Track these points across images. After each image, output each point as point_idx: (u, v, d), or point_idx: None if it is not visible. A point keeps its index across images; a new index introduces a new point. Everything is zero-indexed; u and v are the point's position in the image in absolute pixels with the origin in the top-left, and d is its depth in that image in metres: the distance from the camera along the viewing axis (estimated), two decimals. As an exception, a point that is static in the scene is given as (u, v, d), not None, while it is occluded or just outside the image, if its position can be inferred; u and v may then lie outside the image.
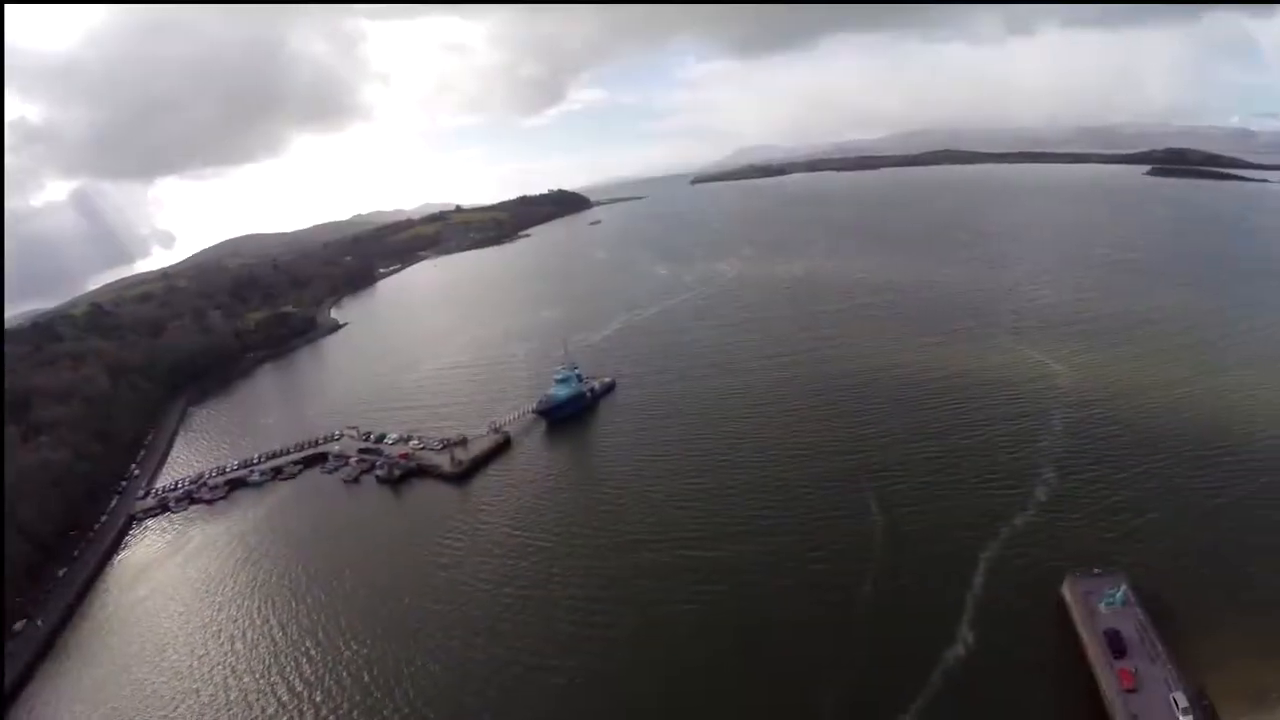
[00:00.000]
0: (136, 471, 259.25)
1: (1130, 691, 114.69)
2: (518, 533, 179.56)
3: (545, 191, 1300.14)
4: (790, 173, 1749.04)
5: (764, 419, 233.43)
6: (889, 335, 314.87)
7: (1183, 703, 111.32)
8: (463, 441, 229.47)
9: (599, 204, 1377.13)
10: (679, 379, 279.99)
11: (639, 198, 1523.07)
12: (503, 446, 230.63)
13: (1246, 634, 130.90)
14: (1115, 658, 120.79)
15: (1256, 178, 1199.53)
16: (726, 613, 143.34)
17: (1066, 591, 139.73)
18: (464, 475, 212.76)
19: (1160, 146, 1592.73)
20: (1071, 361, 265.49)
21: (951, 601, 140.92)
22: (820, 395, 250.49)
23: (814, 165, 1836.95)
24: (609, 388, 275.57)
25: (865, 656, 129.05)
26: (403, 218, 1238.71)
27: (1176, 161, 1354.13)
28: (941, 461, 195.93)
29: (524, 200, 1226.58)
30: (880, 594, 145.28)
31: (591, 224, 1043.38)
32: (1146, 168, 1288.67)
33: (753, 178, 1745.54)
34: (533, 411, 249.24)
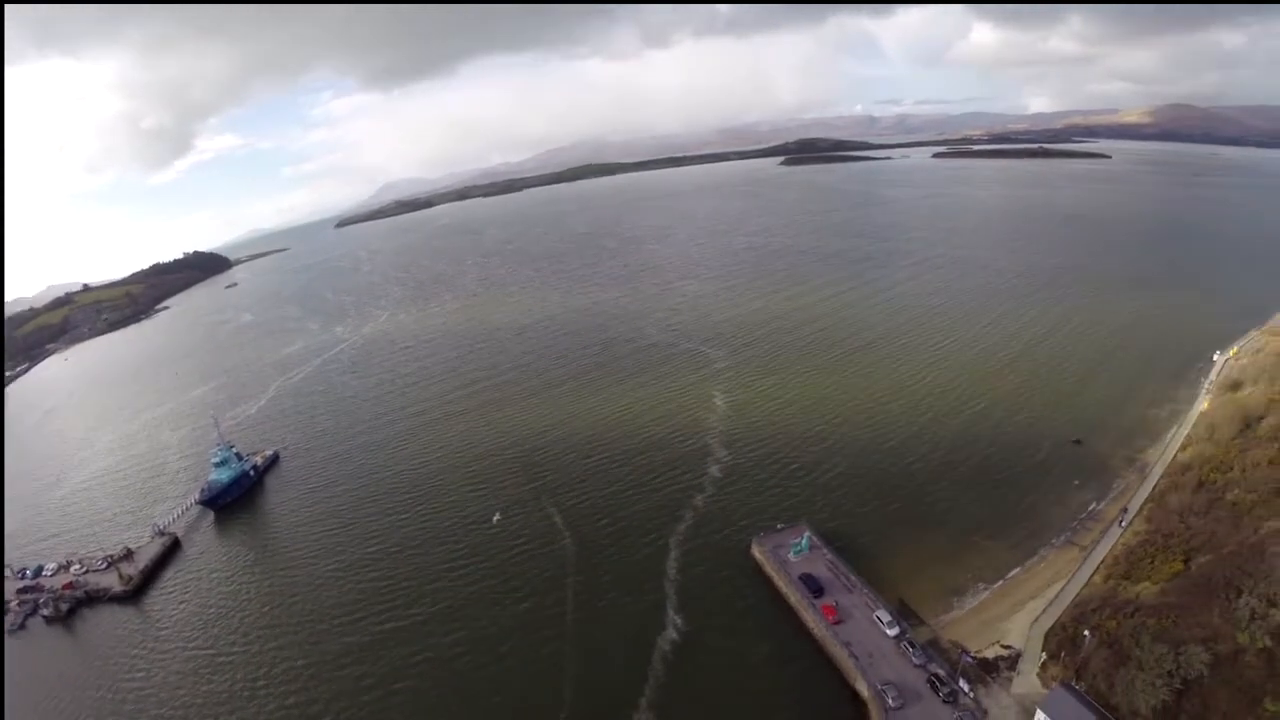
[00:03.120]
0: None
1: (837, 623, 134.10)
2: (206, 648, 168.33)
3: (181, 255, 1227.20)
4: (438, 204, 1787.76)
5: (435, 463, 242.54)
6: (550, 356, 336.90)
7: (886, 619, 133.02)
8: (128, 555, 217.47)
9: (240, 262, 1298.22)
10: (343, 439, 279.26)
11: (283, 250, 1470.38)
12: (172, 550, 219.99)
13: (930, 548, 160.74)
14: (815, 597, 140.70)
15: (880, 156, 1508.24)
16: (442, 677, 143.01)
17: (756, 551, 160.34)
18: (137, 591, 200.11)
19: (793, 138, 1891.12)
20: (728, 349, 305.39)
21: (654, 593, 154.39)
22: (488, 430, 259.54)
23: (462, 194, 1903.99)
24: (272, 461, 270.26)
25: (585, 671, 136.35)
26: (24, 307, 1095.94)
27: (808, 150, 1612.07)
28: (617, 467, 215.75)
29: (158, 269, 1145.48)
30: (585, 610, 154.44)
31: (228, 287, 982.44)
32: (781, 158, 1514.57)
33: (400, 214, 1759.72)
34: (196, 503, 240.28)
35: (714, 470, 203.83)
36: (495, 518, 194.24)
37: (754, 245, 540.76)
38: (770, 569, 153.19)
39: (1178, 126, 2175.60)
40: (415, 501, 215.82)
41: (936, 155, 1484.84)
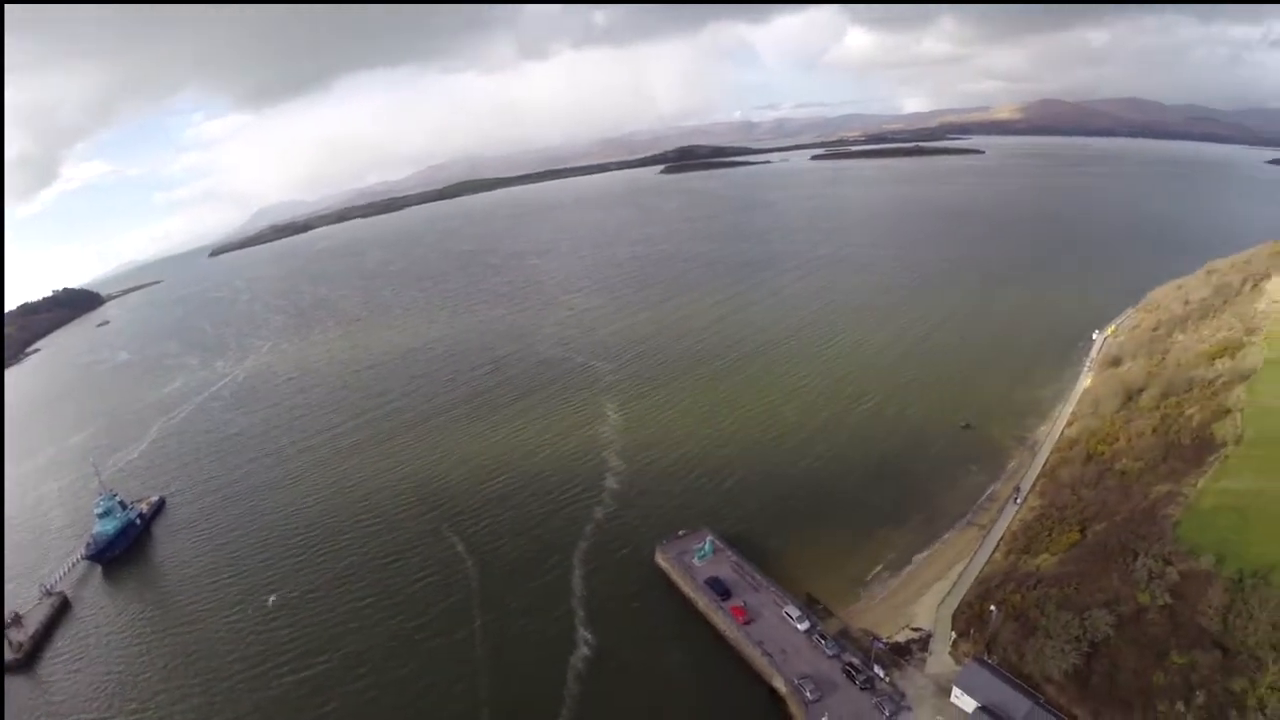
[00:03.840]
0: None
1: (747, 623, 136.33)
2: (108, 717, 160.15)
3: (50, 294, 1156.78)
4: (316, 227, 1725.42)
5: (329, 500, 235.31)
6: (440, 379, 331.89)
7: (795, 614, 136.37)
8: (17, 620, 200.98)
9: (113, 297, 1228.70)
10: (232, 480, 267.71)
11: (157, 282, 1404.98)
12: (62, 610, 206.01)
13: (833, 541, 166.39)
14: (723, 600, 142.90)
15: (759, 160, 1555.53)
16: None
17: (660, 559, 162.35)
18: (30, 658, 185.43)
19: (672, 147, 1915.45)
20: (618, 361, 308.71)
21: (563, 613, 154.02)
22: (382, 461, 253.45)
23: (341, 216, 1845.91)
24: (159, 508, 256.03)
25: (500, 699, 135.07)
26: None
27: (688, 157, 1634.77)
28: (516, 489, 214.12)
29: (25, 309, 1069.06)
30: (496, 638, 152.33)
31: (100, 325, 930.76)
32: (661, 167, 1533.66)
33: (277, 239, 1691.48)
34: (83, 558, 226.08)
35: (612, 483, 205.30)
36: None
37: (638, 255, 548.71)
38: (676, 576, 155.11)
39: (1049, 121, 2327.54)
40: (311, 543, 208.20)
41: (815, 157, 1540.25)
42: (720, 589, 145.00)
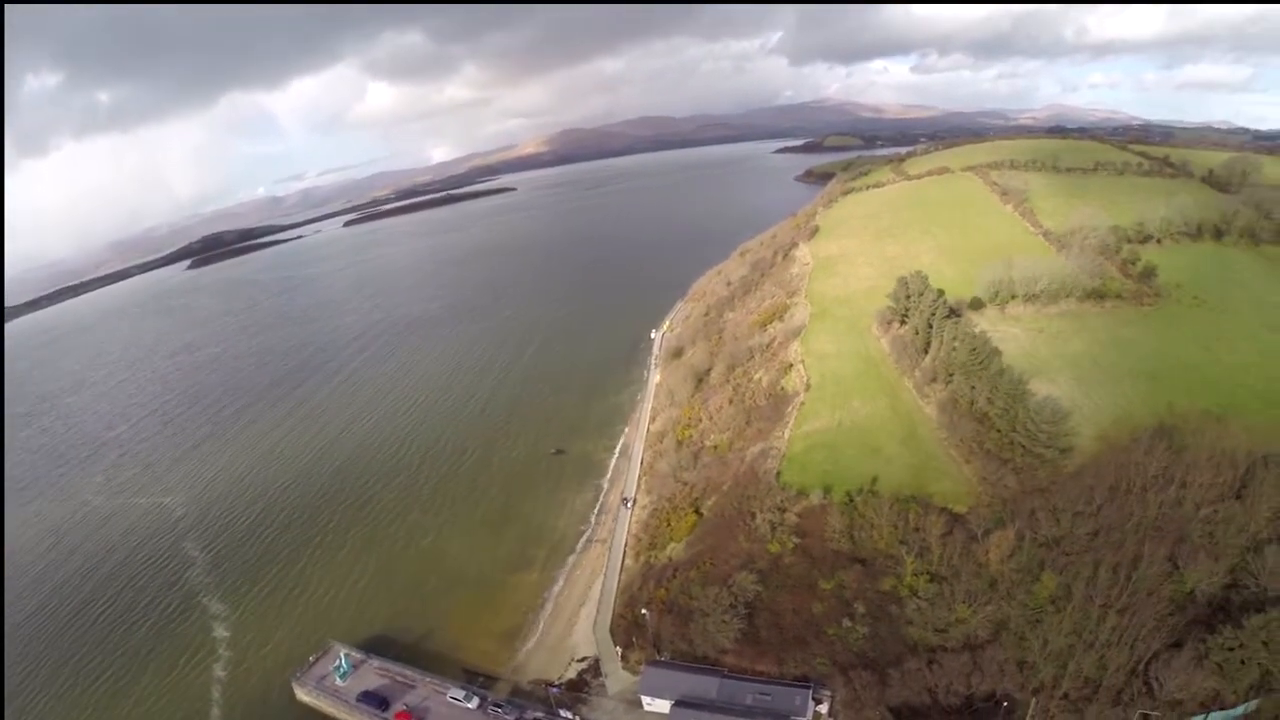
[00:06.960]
0: None
1: None
2: None
3: None
4: None
5: None
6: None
7: (460, 695, 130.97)
8: None
9: None
10: None
11: None
12: None
13: (470, 607, 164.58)
14: (383, 710, 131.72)
15: (291, 236, 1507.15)
16: None
17: (302, 694, 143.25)
18: None
19: (196, 237, 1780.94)
20: (187, 494, 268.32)
21: None
22: None
23: None
24: None
25: None
26: None
27: (214, 246, 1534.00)
28: (100, 663, 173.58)
29: None
30: None
31: None
32: (188, 262, 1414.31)
33: None
34: None
35: (220, 631, 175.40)
36: None
37: (182, 365, 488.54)
38: (326, 705, 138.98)
39: (573, 149, 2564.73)
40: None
41: (349, 223, 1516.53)
42: (377, 701, 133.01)
